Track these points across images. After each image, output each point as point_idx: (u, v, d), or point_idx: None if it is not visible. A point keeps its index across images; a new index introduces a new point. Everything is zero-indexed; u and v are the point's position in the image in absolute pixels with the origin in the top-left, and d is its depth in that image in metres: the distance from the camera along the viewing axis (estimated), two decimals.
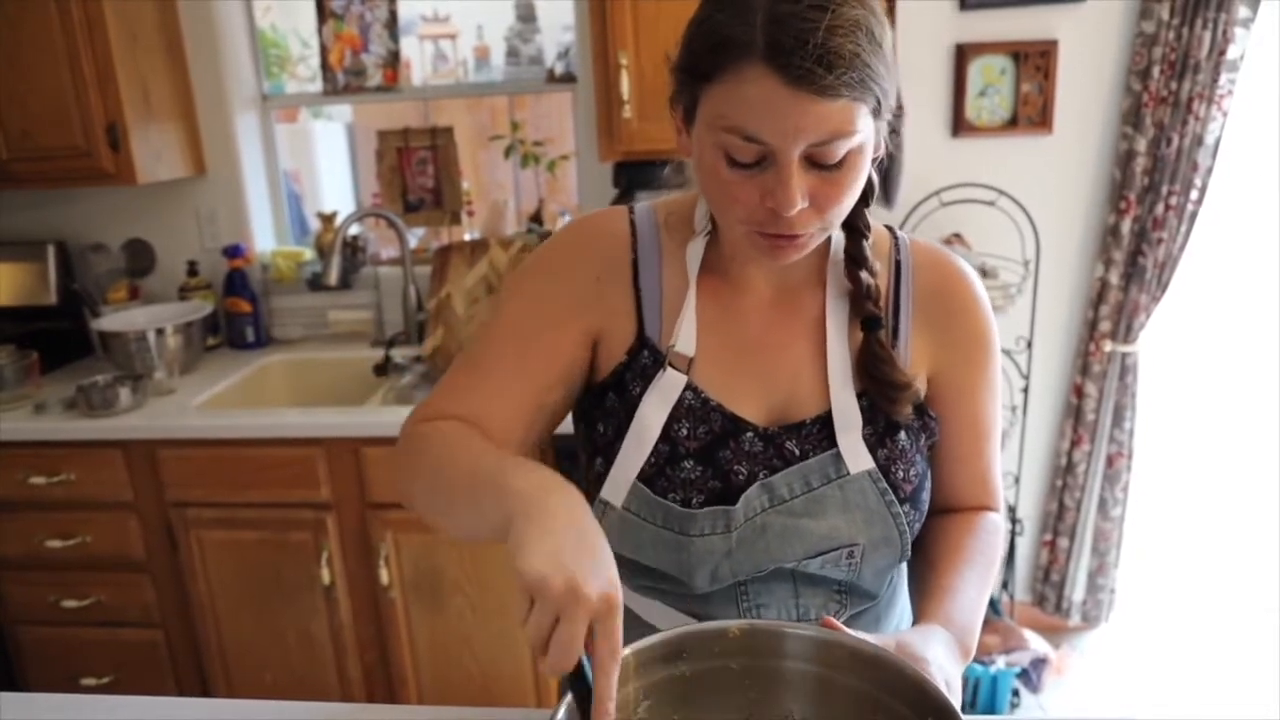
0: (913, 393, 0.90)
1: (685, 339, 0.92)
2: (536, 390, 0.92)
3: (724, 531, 0.89)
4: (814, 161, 0.77)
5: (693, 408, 0.92)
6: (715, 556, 0.90)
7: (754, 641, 0.78)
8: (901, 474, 0.91)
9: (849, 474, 0.90)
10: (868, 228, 0.93)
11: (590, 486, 0.95)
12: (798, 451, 0.91)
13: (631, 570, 0.94)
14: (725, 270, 0.95)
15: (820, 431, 0.92)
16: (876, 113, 0.79)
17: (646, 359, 0.93)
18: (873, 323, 0.91)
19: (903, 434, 0.92)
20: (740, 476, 0.91)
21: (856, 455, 0.91)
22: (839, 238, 0.95)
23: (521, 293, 0.96)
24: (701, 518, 0.89)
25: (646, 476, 0.91)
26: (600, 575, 0.65)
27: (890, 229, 0.99)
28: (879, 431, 0.91)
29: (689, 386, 0.92)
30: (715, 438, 0.91)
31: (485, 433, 0.88)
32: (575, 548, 0.65)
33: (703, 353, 0.93)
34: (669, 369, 0.92)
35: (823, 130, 0.75)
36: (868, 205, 0.92)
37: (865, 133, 0.78)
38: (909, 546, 0.94)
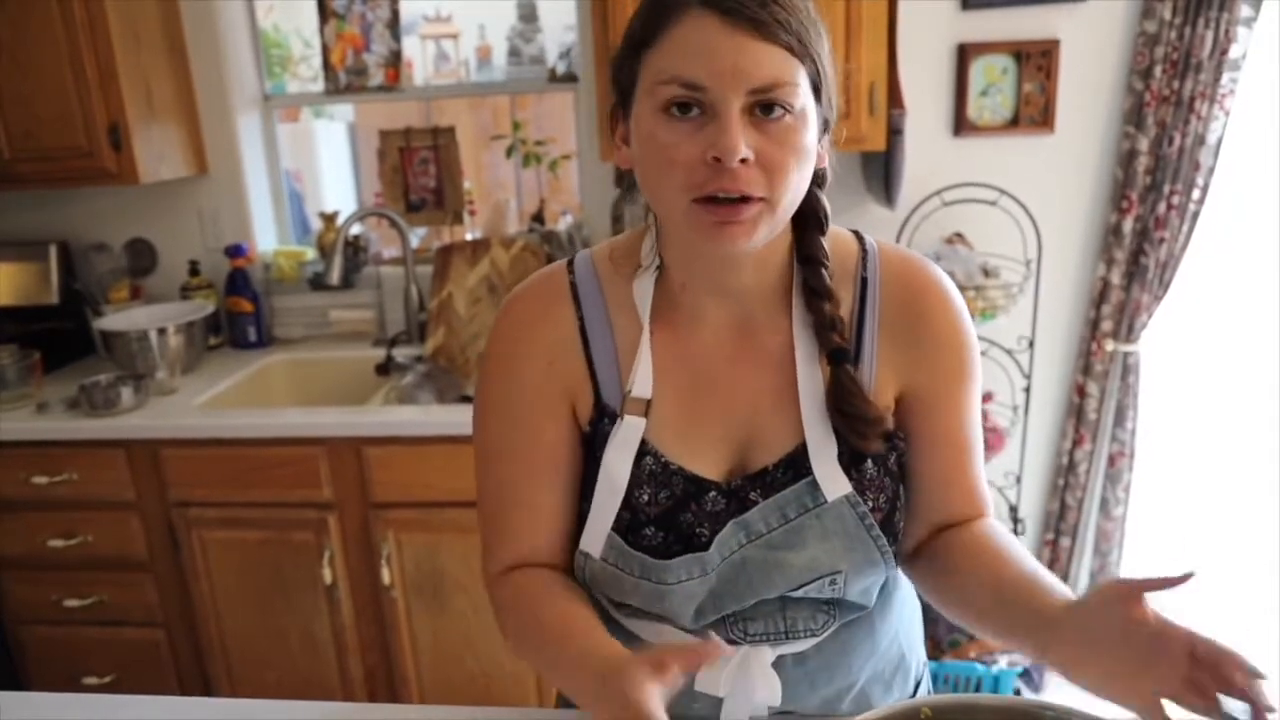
0: (883, 427, 0.87)
1: (641, 383, 0.91)
2: (558, 486, 0.94)
3: (701, 576, 0.89)
4: (756, 117, 0.77)
5: (654, 473, 0.90)
6: (696, 599, 0.90)
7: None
8: (871, 502, 0.89)
9: (826, 502, 0.88)
10: (826, 257, 0.90)
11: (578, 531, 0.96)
12: (762, 501, 0.89)
13: (620, 605, 0.96)
14: (678, 306, 0.92)
15: (785, 473, 0.89)
16: (817, 91, 0.80)
17: (606, 425, 0.92)
18: (839, 354, 0.88)
19: (869, 462, 0.90)
20: (703, 538, 0.89)
21: (833, 481, 0.88)
22: (798, 267, 0.92)
23: (492, 406, 0.96)
24: (676, 567, 0.88)
25: (620, 529, 0.90)
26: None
27: (860, 238, 0.96)
28: (844, 462, 0.89)
29: (649, 451, 0.90)
30: (676, 501, 0.90)
31: (543, 550, 0.95)
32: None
33: (660, 400, 0.91)
34: (627, 417, 0.90)
35: (762, 75, 0.76)
36: (823, 232, 0.91)
37: (806, 102, 0.79)
38: (892, 561, 0.92)
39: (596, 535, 0.91)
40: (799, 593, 0.90)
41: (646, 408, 0.91)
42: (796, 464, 0.89)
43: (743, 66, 0.75)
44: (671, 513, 0.90)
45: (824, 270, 0.90)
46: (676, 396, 0.92)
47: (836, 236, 0.94)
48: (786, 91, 0.77)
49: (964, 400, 0.93)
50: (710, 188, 0.77)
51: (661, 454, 0.91)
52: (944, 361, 0.92)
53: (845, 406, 0.87)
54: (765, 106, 0.77)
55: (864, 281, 0.92)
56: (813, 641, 0.95)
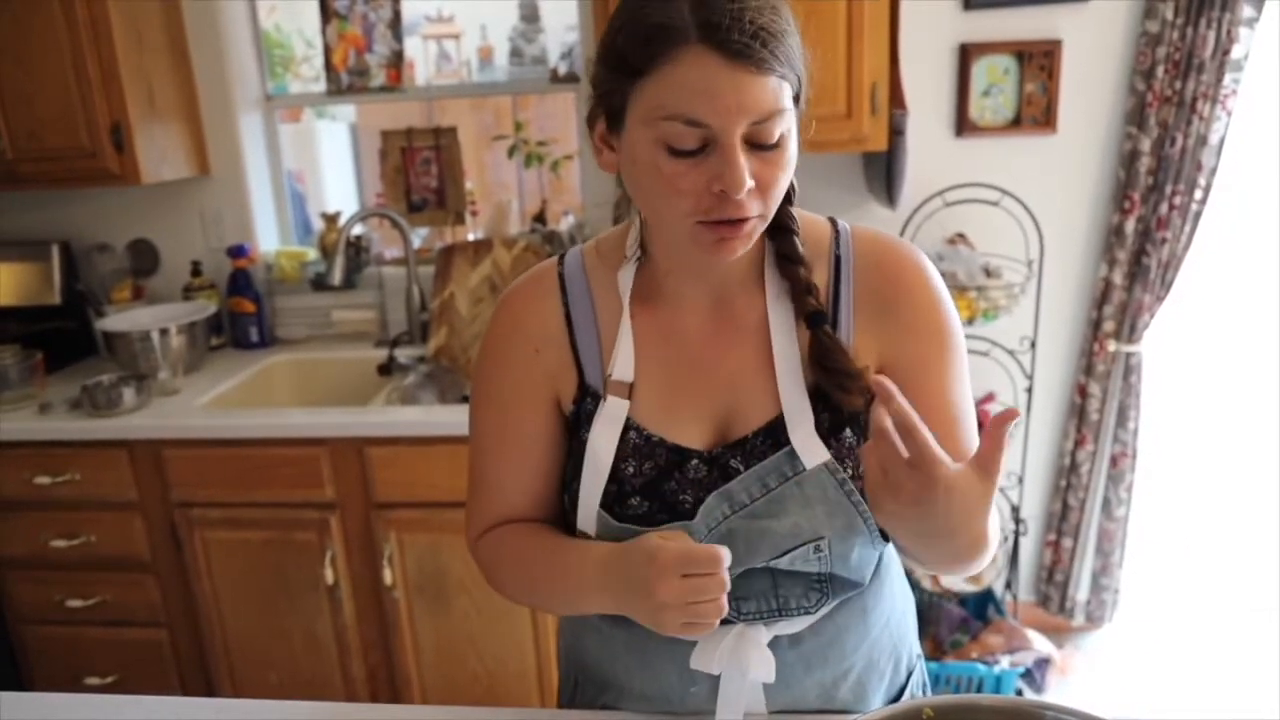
0: (864, 380, 0.89)
1: (623, 365, 0.95)
2: (540, 467, 1.00)
3: None
4: (752, 143, 0.80)
5: (638, 446, 0.94)
6: None
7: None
8: (851, 469, 0.91)
9: (805, 470, 0.90)
10: (796, 224, 0.94)
11: (570, 517, 1.00)
12: (743, 468, 0.92)
13: None
14: (659, 291, 0.96)
15: (765, 441, 0.92)
16: (796, 99, 0.83)
17: (590, 405, 0.96)
18: (817, 317, 0.91)
19: (848, 431, 0.92)
20: (686, 505, 0.92)
21: (811, 450, 0.90)
22: (769, 240, 0.95)
23: (485, 393, 1.02)
24: None
25: (607, 505, 0.94)
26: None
27: (833, 221, 0.98)
28: (824, 431, 0.91)
29: (632, 426, 0.94)
30: (660, 471, 0.93)
31: (519, 512, 1.01)
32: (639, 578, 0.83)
33: (643, 379, 0.95)
34: (610, 398, 0.94)
35: (761, 108, 0.78)
36: (791, 203, 0.94)
37: (791, 115, 0.82)
38: (877, 531, 0.93)
39: (589, 513, 0.95)
40: (785, 562, 0.92)
41: (629, 390, 0.94)
42: (775, 433, 0.92)
43: (744, 104, 0.77)
44: (655, 482, 0.93)
45: (795, 237, 0.93)
46: (659, 373, 0.95)
47: (809, 220, 0.98)
48: (781, 118, 0.80)
49: (945, 372, 0.95)
50: (715, 214, 0.81)
51: (645, 428, 0.94)
52: (921, 334, 0.94)
53: (827, 362, 0.90)
54: (761, 133, 0.80)
55: (838, 259, 0.95)
56: (807, 620, 0.97)
